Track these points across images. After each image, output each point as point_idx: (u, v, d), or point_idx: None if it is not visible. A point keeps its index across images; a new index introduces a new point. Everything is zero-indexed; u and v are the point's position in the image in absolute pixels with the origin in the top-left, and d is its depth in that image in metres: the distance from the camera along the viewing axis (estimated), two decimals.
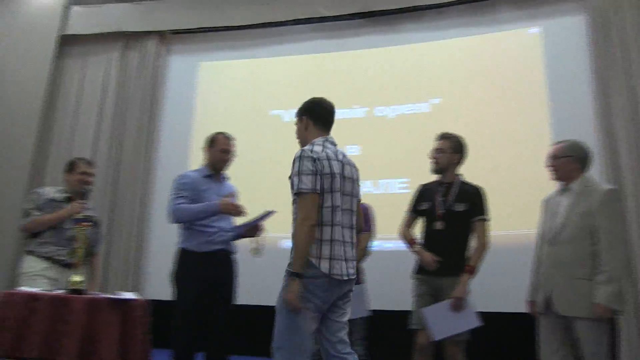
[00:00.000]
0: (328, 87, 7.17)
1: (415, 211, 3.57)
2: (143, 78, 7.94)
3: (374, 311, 3.86)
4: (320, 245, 2.42)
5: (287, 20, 7.47)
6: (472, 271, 3.29)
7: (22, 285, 3.40)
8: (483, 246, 3.36)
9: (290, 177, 2.49)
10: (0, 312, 2.62)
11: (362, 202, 3.86)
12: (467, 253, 3.37)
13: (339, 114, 6.88)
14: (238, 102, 7.46)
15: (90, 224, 3.21)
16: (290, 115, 7.19)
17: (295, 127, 2.83)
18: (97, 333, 2.59)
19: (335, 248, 2.43)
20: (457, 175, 3.51)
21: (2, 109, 8.02)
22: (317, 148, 2.51)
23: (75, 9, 8.36)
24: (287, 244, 2.71)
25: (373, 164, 6.52)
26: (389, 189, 6.60)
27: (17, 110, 7.95)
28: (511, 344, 5.89)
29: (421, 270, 3.44)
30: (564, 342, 3.04)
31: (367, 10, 7.13)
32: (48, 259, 3.49)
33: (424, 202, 3.52)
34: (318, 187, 2.40)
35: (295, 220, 2.46)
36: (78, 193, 3.70)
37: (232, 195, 3.41)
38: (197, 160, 7.11)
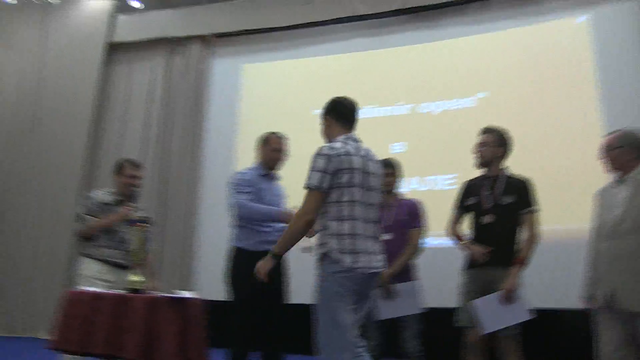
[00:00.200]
0: (371, 85, 7.17)
1: (463, 207, 3.53)
2: (188, 82, 8.11)
3: (425, 308, 3.84)
4: (342, 239, 2.45)
5: (328, 20, 7.51)
6: (522, 262, 3.22)
7: (81, 287, 3.52)
8: (533, 237, 3.29)
9: None
10: (67, 310, 2.73)
11: (411, 198, 3.87)
12: (517, 245, 3.31)
13: (382, 112, 6.91)
14: (281, 102, 7.52)
15: (145, 225, 3.25)
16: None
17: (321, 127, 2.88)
18: (157, 331, 2.65)
19: (357, 242, 2.46)
20: (503, 168, 3.46)
21: (53, 116, 8.31)
22: (337, 145, 2.56)
23: (121, 17, 8.60)
24: None
25: (419, 161, 6.48)
26: (436, 185, 6.54)
27: (69, 117, 8.23)
28: (565, 341, 5.77)
29: (471, 265, 3.39)
30: (626, 340, 2.94)
31: (407, 7, 7.09)
32: (104, 261, 3.60)
33: (471, 197, 3.48)
34: (325, 184, 2.46)
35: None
36: (127, 195, 3.79)
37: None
38: (242, 160, 7.28)
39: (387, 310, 3.53)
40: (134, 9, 8.63)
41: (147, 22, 8.43)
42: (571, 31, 6.37)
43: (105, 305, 2.70)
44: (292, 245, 2.57)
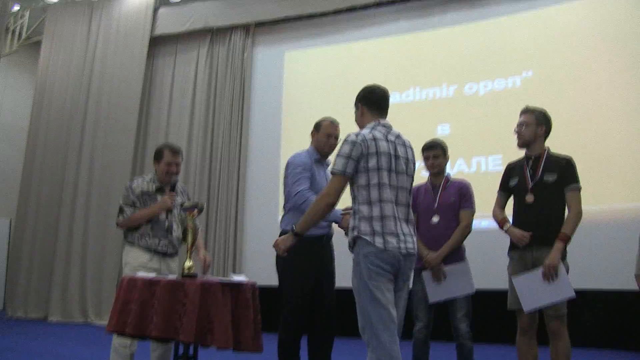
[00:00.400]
0: (415, 67, 7.09)
1: (506, 189, 3.47)
2: (231, 71, 8.20)
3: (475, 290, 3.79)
4: (372, 222, 2.50)
5: (370, 4, 7.43)
6: (565, 239, 3.14)
7: (126, 274, 3.57)
8: (576, 215, 3.20)
9: None
10: (125, 295, 2.81)
11: (461, 179, 3.81)
12: (561, 224, 3.23)
13: (427, 94, 6.82)
14: (324, 87, 7.52)
15: (197, 211, 3.27)
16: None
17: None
18: (211, 314, 2.70)
19: (387, 224, 2.50)
20: (544, 147, 3.38)
21: (103, 112, 8.54)
22: (365, 131, 2.62)
23: (162, 10, 8.73)
24: None
25: (464, 142, 6.39)
26: (481, 166, 6.44)
27: (118, 112, 8.46)
28: (614, 322, 5.66)
29: (515, 247, 3.33)
30: None
31: None
32: (147, 249, 3.63)
33: (513, 178, 3.41)
34: (349, 169, 2.52)
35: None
36: (166, 182, 3.70)
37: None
38: (288, 146, 7.34)
39: (438, 292, 3.49)
40: (174, 2, 8.75)
41: (187, 14, 8.54)
42: (622, 4, 6.11)
43: (160, 290, 2.75)
44: (312, 225, 2.68)
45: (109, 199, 7.95)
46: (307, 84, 7.70)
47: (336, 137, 3.54)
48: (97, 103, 8.58)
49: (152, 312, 2.71)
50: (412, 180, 2.72)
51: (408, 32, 7.23)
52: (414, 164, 2.75)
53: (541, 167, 3.29)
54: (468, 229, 3.59)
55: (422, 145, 3.72)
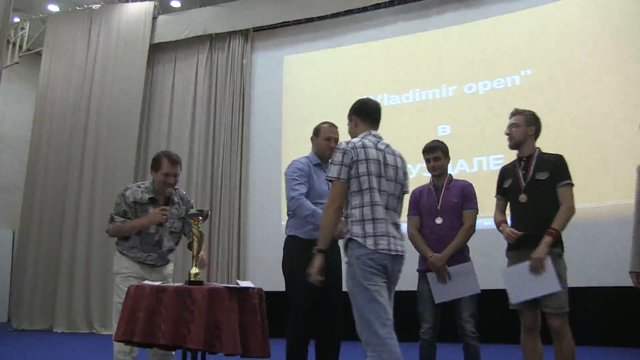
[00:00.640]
0: (414, 69, 7.11)
1: (502, 192, 3.51)
2: (230, 77, 8.22)
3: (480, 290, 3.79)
4: (364, 224, 2.64)
5: (367, 6, 7.46)
6: (553, 234, 3.16)
7: (117, 284, 3.54)
8: (567, 209, 3.22)
9: None
10: (133, 303, 2.82)
11: (463, 180, 3.82)
12: None
13: (427, 95, 6.82)
14: (324, 91, 7.54)
15: (202, 219, 3.26)
16: (379, 100, 7.12)
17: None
18: (219, 320, 2.71)
19: (378, 226, 2.63)
20: (536, 148, 3.43)
21: (104, 120, 8.56)
22: (355, 140, 2.78)
23: (161, 18, 8.77)
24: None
25: (465, 142, 6.40)
26: (482, 166, 6.45)
27: (119, 121, 8.47)
28: (615, 319, 5.67)
29: (512, 247, 3.36)
30: None
31: None
32: (138, 261, 3.58)
33: (507, 180, 3.46)
34: (343, 175, 2.67)
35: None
36: (162, 193, 3.58)
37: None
38: (288, 150, 7.36)
39: (443, 293, 3.50)
40: (173, 9, 8.78)
41: (186, 21, 8.58)
42: (614, 4, 6.13)
43: (167, 298, 2.76)
44: (332, 235, 2.73)
45: (110, 210, 7.94)
46: (307, 87, 7.72)
47: (336, 140, 3.58)
48: (98, 112, 8.60)
49: (159, 320, 2.72)
50: (402, 187, 2.86)
51: (406, 33, 7.25)
52: (404, 172, 2.89)
53: (532, 166, 3.34)
54: (472, 229, 3.60)
55: (423, 147, 3.75)
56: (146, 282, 3.18)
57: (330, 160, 2.77)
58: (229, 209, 7.72)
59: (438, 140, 3.83)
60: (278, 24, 8.09)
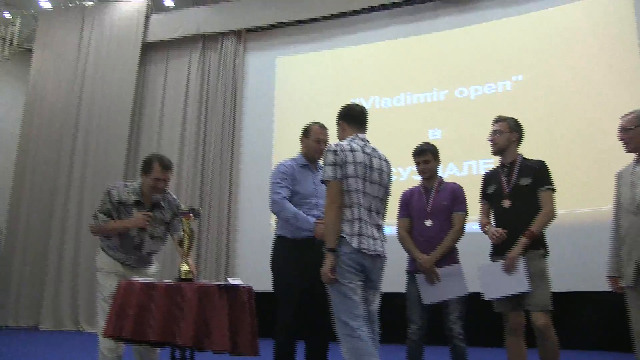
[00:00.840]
0: (406, 72, 7.15)
1: (486, 198, 3.56)
2: (223, 77, 8.23)
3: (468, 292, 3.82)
4: (352, 224, 2.77)
5: (360, 9, 7.50)
6: (530, 236, 3.23)
7: (99, 280, 3.54)
8: (547, 213, 3.29)
9: None
10: (123, 300, 2.82)
11: (453, 182, 3.85)
12: None
13: (418, 98, 6.84)
14: (316, 92, 7.55)
15: (193, 217, 3.25)
16: (370, 103, 7.22)
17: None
18: (208, 318, 2.72)
19: (362, 226, 2.77)
20: (519, 154, 3.50)
21: (95, 119, 8.53)
22: (343, 142, 2.91)
23: (154, 17, 8.75)
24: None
25: (456, 146, 6.44)
26: (472, 170, 6.50)
27: (110, 119, 8.44)
28: (605, 323, 5.70)
29: (495, 251, 3.41)
30: None
31: None
32: (118, 260, 3.52)
33: (491, 186, 3.53)
34: (339, 175, 2.79)
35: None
36: (149, 197, 3.53)
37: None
38: (280, 151, 7.36)
39: (431, 294, 3.53)
40: (166, 8, 8.77)
41: (179, 20, 8.58)
42: (612, 8, 6.21)
43: (158, 295, 2.77)
44: (337, 233, 2.77)
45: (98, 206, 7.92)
46: (299, 89, 7.74)
47: (325, 142, 3.58)
48: (89, 110, 8.56)
49: (149, 316, 2.72)
50: (387, 190, 2.99)
51: (399, 37, 7.29)
52: (389, 175, 3.01)
53: (516, 172, 3.41)
54: (461, 231, 3.64)
55: (412, 150, 3.78)
56: (135, 278, 3.17)
57: (323, 163, 2.85)
58: (219, 208, 7.72)
59: (428, 143, 3.86)
60: (271, 24, 8.10)
